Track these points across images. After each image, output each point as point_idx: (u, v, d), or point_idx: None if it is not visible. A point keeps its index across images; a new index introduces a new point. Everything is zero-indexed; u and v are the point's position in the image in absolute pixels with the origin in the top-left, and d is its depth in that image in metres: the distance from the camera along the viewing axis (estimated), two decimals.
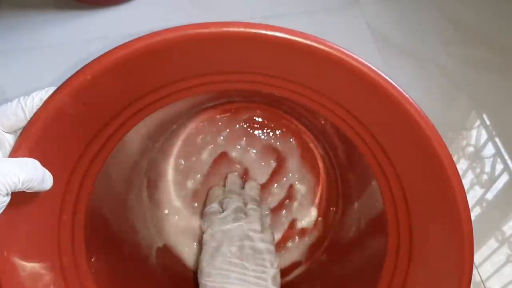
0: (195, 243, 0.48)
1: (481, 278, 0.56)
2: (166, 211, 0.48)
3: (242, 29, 0.28)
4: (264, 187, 0.49)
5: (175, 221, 0.48)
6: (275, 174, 0.49)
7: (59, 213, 0.31)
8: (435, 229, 0.32)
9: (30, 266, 0.29)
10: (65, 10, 0.71)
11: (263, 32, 0.28)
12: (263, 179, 0.49)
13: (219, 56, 0.31)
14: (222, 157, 0.49)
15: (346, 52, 0.29)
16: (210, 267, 0.35)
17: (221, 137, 0.49)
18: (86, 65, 0.28)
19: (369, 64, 0.29)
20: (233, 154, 0.49)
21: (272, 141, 0.49)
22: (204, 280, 0.35)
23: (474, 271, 0.57)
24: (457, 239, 0.30)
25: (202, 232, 0.40)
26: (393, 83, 0.29)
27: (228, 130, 0.49)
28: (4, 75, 0.64)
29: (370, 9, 0.76)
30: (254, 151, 0.49)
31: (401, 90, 0.29)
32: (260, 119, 0.49)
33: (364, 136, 0.34)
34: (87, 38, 0.68)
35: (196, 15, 0.72)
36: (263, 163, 0.49)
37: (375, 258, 0.36)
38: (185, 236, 0.48)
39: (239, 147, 0.49)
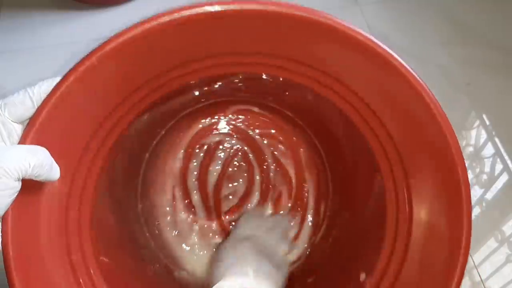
0: (187, 248, 0.48)
1: (480, 278, 0.57)
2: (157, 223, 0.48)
3: (238, 6, 0.29)
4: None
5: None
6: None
7: (65, 210, 0.31)
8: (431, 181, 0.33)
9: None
10: (65, 10, 0.72)
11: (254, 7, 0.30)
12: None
13: (220, 36, 0.32)
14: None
15: (336, 18, 0.30)
16: (231, 249, 0.39)
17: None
18: (92, 50, 0.29)
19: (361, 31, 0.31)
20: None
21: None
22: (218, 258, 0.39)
23: (474, 271, 0.57)
24: (453, 185, 0.31)
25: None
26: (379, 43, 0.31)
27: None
28: (5, 75, 0.65)
29: (370, 9, 0.76)
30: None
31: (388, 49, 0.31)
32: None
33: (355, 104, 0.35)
34: (88, 38, 0.69)
35: None
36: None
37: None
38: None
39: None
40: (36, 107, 0.28)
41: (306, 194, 0.49)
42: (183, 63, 0.33)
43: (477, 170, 0.64)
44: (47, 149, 0.27)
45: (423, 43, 0.74)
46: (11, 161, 0.24)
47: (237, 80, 0.40)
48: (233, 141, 0.49)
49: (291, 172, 0.49)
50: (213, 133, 0.49)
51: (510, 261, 0.58)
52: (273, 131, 0.49)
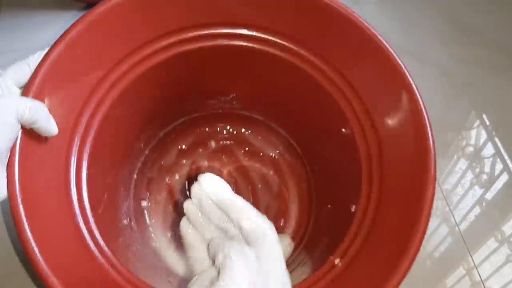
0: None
1: (480, 278, 0.57)
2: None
3: None
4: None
5: None
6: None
7: (65, 158, 0.33)
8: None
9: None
10: (66, 10, 0.72)
11: None
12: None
13: (205, 6, 0.36)
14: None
15: None
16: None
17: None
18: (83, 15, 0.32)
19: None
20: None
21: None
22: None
23: (474, 271, 0.57)
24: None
25: None
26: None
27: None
28: None
29: (370, 9, 0.76)
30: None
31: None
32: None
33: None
34: None
35: None
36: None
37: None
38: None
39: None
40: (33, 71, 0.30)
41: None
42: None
43: (477, 170, 0.64)
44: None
45: (423, 43, 0.74)
46: (9, 99, 0.26)
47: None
48: None
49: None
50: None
51: (510, 261, 0.58)
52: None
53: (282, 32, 0.39)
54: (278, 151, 0.52)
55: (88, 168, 0.35)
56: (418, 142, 0.34)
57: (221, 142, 0.52)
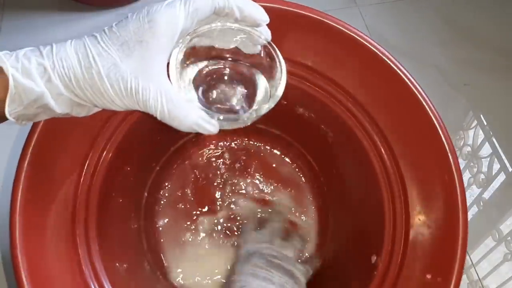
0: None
1: (478, 276, 0.57)
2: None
3: None
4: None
5: None
6: None
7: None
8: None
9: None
10: (68, 12, 0.72)
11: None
12: None
13: None
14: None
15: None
16: (242, 269, 0.39)
17: None
18: None
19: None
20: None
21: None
22: (233, 278, 0.39)
23: (471, 270, 0.58)
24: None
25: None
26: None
27: None
28: None
29: (369, 10, 0.77)
30: None
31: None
32: None
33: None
34: None
35: None
36: None
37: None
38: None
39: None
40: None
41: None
42: None
43: (475, 169, 0.65)
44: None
45: (422, 44, 0.75)
46: None
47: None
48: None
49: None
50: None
51: (508, 259, 0.58)
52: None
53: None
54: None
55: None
56: (448, 211, 0.34)
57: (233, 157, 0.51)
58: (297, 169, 0.50)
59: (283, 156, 0.51)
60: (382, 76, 0.35)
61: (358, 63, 0.36)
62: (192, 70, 0.30)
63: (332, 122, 0.40)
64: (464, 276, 0.57)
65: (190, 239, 0.47)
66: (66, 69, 0.24)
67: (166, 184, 0.48)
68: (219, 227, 0.47)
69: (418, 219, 0.34)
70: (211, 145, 0.50)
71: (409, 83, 0.35)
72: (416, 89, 0.35)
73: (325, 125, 0.42)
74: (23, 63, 0.23)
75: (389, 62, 0.35)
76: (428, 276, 0.33)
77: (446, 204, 0.33)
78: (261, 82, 0.30)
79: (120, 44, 0.24)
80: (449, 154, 0.34)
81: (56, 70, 0.24)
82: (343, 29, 0.35)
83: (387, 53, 0.35)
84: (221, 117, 0.27)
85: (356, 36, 0.35)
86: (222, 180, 0.49)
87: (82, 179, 0.34)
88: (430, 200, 0.34)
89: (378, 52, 0.35)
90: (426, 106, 0.35)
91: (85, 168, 0.34)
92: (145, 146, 0.43)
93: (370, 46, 0.35)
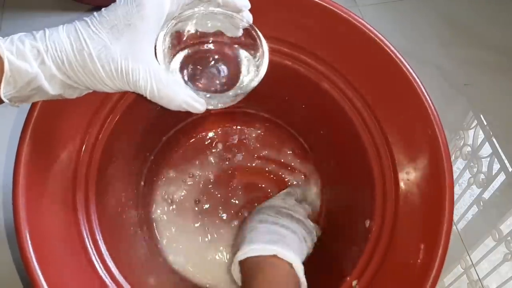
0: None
1: (478, 276, 0.57)
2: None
3: None
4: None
5: None
6: None
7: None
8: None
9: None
10: (67, 12, 0.72)
11: None
12: None
13: None
14: None
15: None
16: (252, 218, 0.40)
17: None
18: None
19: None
20: None
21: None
22: (242, 226, 0.40)
23: (471, 270, 0.58)
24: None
25: None
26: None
27: None
28: None
29: (369, 10, 0.77)
30: None
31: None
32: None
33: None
34: None
35: None
36: None
37: None
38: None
39: None
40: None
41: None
42: None
43: (475, 169, 0.65)
44: None
45: (422, 44, 0.75)
46: None
47: None
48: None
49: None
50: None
51: (507, 259, 0.58)
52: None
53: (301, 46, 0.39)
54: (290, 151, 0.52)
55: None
56: (434, 165, 0.34)
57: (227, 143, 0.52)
58: (290, 152, 0.52)
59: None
60: (364, 48, 0.37)
61: (340, 38, 0.38)
62: (178, 54, 0.32)
63: (314, 96, 0.42)
64: (464, 276, 0.57)
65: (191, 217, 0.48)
66: (58, 52, 0.25)
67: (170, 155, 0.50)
68: (221, 207, 0.49)
69: (407, 179, 0.35)
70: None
71: (385, 47, 0.37)
72: (391, 51, 0.37)
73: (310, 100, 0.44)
74: (17, 46, 0.24)
75: (370, 33, 0.37)
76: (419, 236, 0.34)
77: (431, 158, 0.35)
78: (245, 62, 0.32)
79: (109, 28, 0.25)
80: (428, 108, 0.35)
81: (49, 52, 0.24)
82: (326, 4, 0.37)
83: (367, 25, 0.37)
84: (208, 95, 0.29)
85: (337, 10, 0.37)
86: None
87: (86, 138, 0.36)
88: (416, 159, 0.35)
89: (359, 24, 0.37)
90: (401, 65, 0.36)
91: (89, 130, 0.36)
92: (148, 120, 0.44)
93: (352, 19, 0.37)
